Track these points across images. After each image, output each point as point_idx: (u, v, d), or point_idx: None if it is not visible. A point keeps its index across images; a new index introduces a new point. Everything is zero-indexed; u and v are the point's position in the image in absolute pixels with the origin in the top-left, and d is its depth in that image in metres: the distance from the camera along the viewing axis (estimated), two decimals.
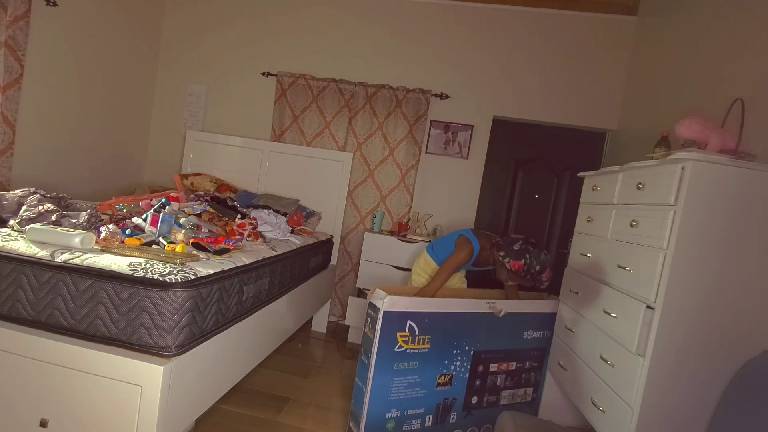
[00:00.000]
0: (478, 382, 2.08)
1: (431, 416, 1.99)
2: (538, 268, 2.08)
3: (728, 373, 1.38)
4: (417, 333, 1.91)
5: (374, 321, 1.86)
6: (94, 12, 3.07)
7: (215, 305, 1.61)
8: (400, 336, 1.88)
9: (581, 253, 2.06)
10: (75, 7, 2.90)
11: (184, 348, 1.46)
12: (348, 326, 3.34)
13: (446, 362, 1.99)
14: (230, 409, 2.07)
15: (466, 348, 2.04)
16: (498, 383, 2.15)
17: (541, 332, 2.26)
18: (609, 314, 1.65)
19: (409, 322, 1.89)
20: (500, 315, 2.07)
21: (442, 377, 1.99)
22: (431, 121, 3.49)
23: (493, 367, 2.12)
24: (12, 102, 2.53)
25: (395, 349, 1.87)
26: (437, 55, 3.49)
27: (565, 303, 2.17)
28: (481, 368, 2.08)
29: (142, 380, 1.37)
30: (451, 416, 2.04)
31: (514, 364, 2.19)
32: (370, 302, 1.94)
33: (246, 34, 3.71)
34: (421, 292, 2.18)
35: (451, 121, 3.47)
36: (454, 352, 2.00)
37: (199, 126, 3.77)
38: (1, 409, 1.47)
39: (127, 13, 3.37)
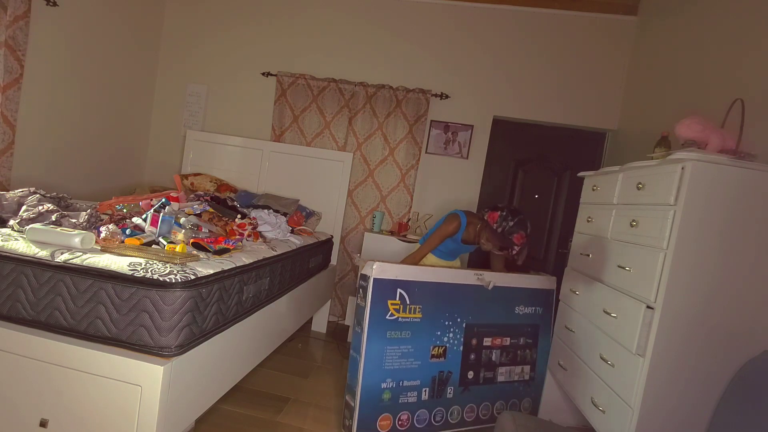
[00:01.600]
0: (473, 356, 2.10)
1: (427, 389, 2.00)
2: (512, 224, 2.06)
3: (728, 373, 1.38)
4: (408, 302, 1.94)
5: (365, 289, 1.90)
6: (94, 12, 3.07)
7: (215, 305, 1.61)
8: (391, 304, 1.91)
9: (581, 253, 2.06)
10: (75, 7, 2.90)
11: (184, 348, 1.46)
12: (348, 326, 3.34)
13: (439, 333, 2.01)
14: (230, 409, 2.07)
15: (458, 320, 2.06)
16: (494, 358, 2.17)
17: (533, 308, 2.28)
18: (609, 314, 1.65)
19: (399, 290, 1.93)
20: (489, 287, 2.10)
21: (436, 349, 2.01)
22: (431, 121, 3.49)
23: (487, 342, 2.15)
24: (12, 102, 2.53)
25: (387, 317, 1.90)
26: (437, 55, 3.49)
27: (565, 303, 2.17)
28: (474, 342, 2.11)
29: (142, 380, 1.37)
30: (448, 391, 2.05)
31: (508, 339, 2.21)
32: (361, 273, 1.97)
33: (246, 34, 3.71)
34: (405, 261, 2.20)
35: (451, 121, 3.47)
36: (447, 323, 2.03)
37: (199, 126, 3.77)
38: (1, 409, 1.47)
39: (127, 13, 3.37)
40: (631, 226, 1.62)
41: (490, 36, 3.42)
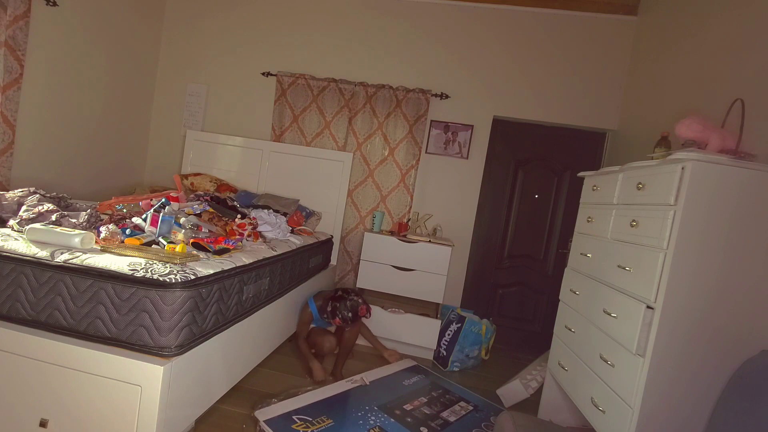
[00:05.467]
0: (409, 420, 2.09)
1: None
2: (350, 315, 2.46)
3: (728, 373, 1.38)
4: (311, 419, 1.96)
5: None
6: (94, 12, 3.07)
7: (215, 305, 1.61)
8: (296, 426, 1.89)
9: (581, 253, 2.06)
10: (75, 7, 2.90)
11: (184, 348, 1.46)
12: None
13: (362, 423, 2.00)
14: (230, 409, 2.07)
15: (368, 408, 2.10)
16: (429, 413, 2.20)
17: (417, 377, 2.56)
18: (609, 314, 1.65)
19: (294, 416, 1.95)
20: (367, 383, 2.33)
21: (373, 430, 1.96)
22: (431, 121, 3.49)
23: (409, 407, 2.19)
24: (12, 102, 2.53)
25: None
26: (437, 55, 3.49)
27: (565, 303, 2.17)
28: (398, 412, 2.13)
29: (142, 380, 1.37)
30: None
31: (424, 398, 2.32)
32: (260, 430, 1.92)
33: (246, 34, 3.71)
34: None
35: (451, 121, 3.47)
36: (360, 413, 2.03)
37: (199, 126, 3.77)
38: (1, 409, 1.47)
39: (127, 13, 3.37)
40: (631, 226, 1.62)
41: (490, 36, 3.42)
